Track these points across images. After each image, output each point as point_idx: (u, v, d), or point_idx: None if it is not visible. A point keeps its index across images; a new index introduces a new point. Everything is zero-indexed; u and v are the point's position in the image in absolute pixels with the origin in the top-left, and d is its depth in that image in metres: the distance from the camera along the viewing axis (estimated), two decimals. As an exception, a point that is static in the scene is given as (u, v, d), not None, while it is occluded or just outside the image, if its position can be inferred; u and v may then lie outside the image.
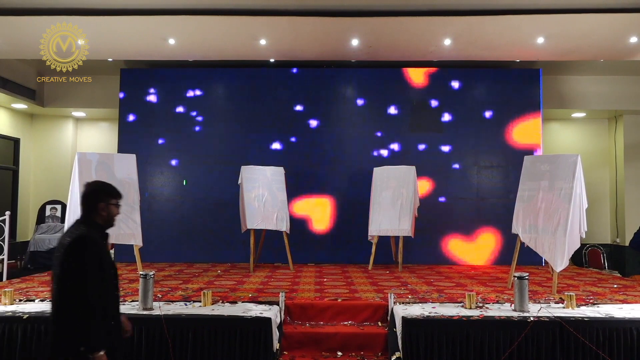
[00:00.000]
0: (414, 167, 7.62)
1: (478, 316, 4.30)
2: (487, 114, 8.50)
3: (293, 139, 8.50)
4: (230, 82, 8.63)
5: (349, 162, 8.48)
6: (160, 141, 8.55)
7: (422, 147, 8.46)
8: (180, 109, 8.58)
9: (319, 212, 8.45)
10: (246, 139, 8.52)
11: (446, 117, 8.50)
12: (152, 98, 8.62)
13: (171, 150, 8.53)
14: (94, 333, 2.50)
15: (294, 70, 8.59)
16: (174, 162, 8.52)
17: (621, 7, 6.60)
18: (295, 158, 8.45)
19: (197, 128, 8.55)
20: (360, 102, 8.59)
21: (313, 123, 8.53)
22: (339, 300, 5.14)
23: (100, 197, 2.83)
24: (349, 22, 6.87)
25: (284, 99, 8.57)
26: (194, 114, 8.56)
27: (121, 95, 8.60)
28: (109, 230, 2.90)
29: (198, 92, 8.60)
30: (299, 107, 8.54)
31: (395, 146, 8.48)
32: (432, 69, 8.56)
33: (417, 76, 8.57)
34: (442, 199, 8.40)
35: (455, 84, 8.55)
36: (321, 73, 8.60)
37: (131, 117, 8.56)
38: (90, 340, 2.48)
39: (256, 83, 8.60)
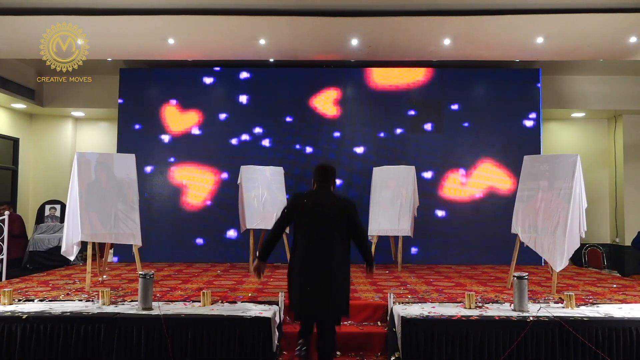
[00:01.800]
0: (413, 167, 7.61)
1: (477, 316, 4.30)
2: (487, 114, 8.49)
3: (292, 139, 8.49)
4: (230, 82, 8.62)
5: (347, 161, 8.47)
6: (159, 141, 8.53)
7: (421, 146, 8.46)
8: (179, 109, 8.57)
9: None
10: (246, 138, 8.52)
11: (446, 117, 8.49)
12: (151, 98, 8.61)
13: (170, 150, 8.52)
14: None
15: (294, 69, 8.58)
16: (173, 162, 8.51)
17: (620, 7, 6.61)
18: (294, 158, 8.45)
19: (196, 128, 8.54)
20: (358, 101, 8.57)
21: (313, 123, 8.51)
22: (339, 300, 5.13)
23: (336, 175, 4.13)
24: (349, 22, 6.87)
25: (283, 98, 8.56)
26: (193, 113, 8.55)
27: (120, 95, 8.58)
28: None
29: (198, 92, 8.59)
30: (297, 107, 8.53)
31: (394, 146, 8.47)
32: (432, 69, 8.55)
33: (417, 76, 8.57)
34: (440, 199, 8.40)
35: (455, 84, 8.54)
36: (321, 72, 8.59)
37: (130, 117, 8.54)
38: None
39: (255, 83, 8.60)
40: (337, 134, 8.52)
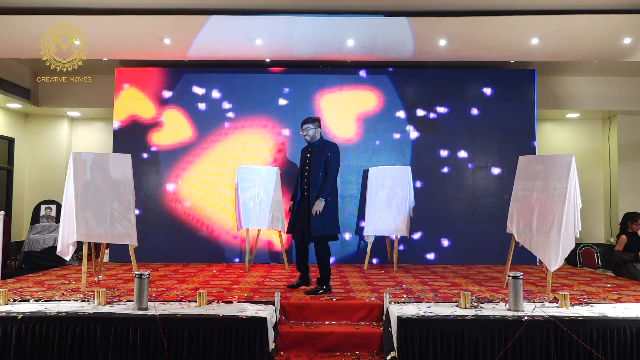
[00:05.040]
0: (409, 167, 7.64)
1: (473, 315, 4.32)
2: (482, 114, 8.50)
3: (289, 139, 8.49)
4: (225, 82, 8.60)
5: (343, 162, 8.46)
6: (155, 141, 8.51)
7: (417, 146, 8.47)
8: (175, 109, 8.55)
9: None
10: (241, 138, 8.50)
11: (441, 117, 8.50)
12: (147, 97, 8.58)
13: (166, 150, 8.50)
14: None
15: (289, 70, 8.57)
16: (169, 162, 8.49)
17: (615, 9, 6.66)
18: (291, 158, 8.44)
19: (192, 127, 8.52)
20: (355, 102, 8.56)
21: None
22: (335, 299, 5.15)
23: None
24: (344, 23, 6.89)
25: (279, 98, 8.55)
26: (188, 113, 8.53)
27: (116, 94, 8.56)
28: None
29: (193, 92, 8.57)
30: (295, 107, 8.52)
31: (390, 146, 8.48)
32: (427, 70, 8.56)
33: (413, 77, 8.58)
34: (437, 199, 8.41)
35: (451, 85, 8.56)
36: (317, 73, 8.59)
37: (126, 117, 8.52)
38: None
39: (252, 83, 8.58)
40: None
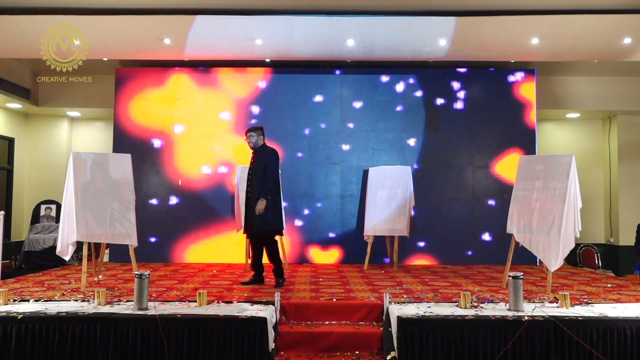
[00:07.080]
0: (409, 167, 7.65)
1: (473, 315, 4.32)
2: (482, 114, 8.50)
3: (289, 140, 8.49)
4: (225, 82, 8.61)
5: (343, 162, 8.47)
6: (155, 141, 8.51)
7: (417, 147, 8.46)
8: (175, 109, 8.54)
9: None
10: (242, 139, 8.49)
11: (441, 117, 8.50)
12: (147, 98, 8.58)
13: (166, 150, 8.50)
14: None
15: (290, 70, 8.57)
16: (169, 162, 8.49)
17: (615, 9, 6.67)
18: (291, 159, 8.44)
19: (192, 128, 8.52)
20: (355, 102, 8.56)
21: (310, 123, 8.51)
22: (335, 300, 5.15)
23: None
24: (345, 23, 6.90)
25: (280, 98, 8.55)
26: (189, 114, 8.53)
27: (116, 94, 8.56)
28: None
29: (193, 92, 8.57)
30: (295, 107, 8.52)
31: (390, 146, 8.48)
32: (426, 70, 8.56)
33: (412, 77, 8.57)
34: (437, 199, 8.41)
35: (450, 85, 8.55)
36: (317, 73, 8.58)
37: (126, 117, 8.52)
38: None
39: (251, 83, 8.58)
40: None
